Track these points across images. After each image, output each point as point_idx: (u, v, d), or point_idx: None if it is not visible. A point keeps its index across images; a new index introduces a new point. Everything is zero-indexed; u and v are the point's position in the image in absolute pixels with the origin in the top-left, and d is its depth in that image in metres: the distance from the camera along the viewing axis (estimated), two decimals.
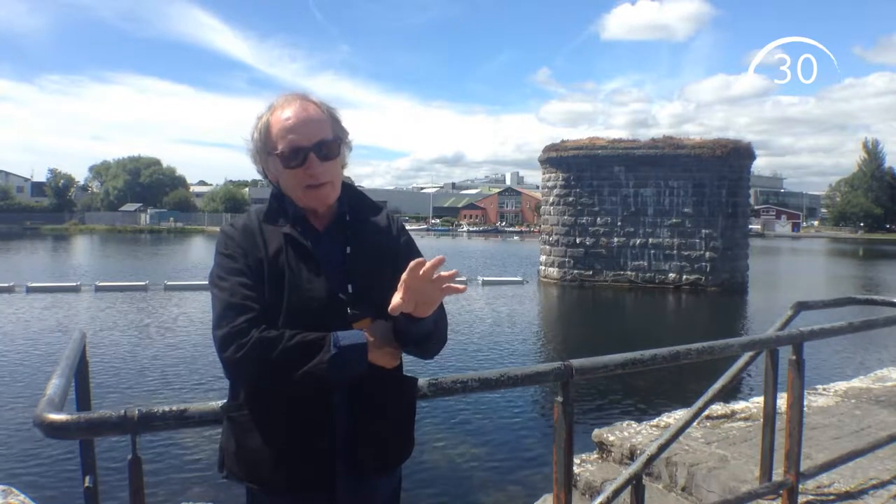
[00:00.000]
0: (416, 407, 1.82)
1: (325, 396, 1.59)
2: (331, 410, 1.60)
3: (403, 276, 1.51)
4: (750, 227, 30.50)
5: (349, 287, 1.64)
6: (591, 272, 26.71)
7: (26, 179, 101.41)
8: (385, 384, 1.65)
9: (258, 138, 1.69)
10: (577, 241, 26.98)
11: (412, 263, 1.50)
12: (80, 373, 2.35)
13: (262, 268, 1.61)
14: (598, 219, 26.71)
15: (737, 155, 26.11)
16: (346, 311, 1.62)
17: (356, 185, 1.87)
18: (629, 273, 26.30)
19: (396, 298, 1.52)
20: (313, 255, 1.64)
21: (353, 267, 1.67)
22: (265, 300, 1.58)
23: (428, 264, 1.49)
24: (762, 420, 2.97)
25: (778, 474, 2.93)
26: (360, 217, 1.76)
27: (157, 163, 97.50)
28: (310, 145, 1.63)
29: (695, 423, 3.25)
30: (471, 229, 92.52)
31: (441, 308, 1.66)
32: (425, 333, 1.62)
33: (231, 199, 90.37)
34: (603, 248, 26.62)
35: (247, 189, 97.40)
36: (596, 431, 4.25)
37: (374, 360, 1.57)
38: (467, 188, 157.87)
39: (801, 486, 2.97)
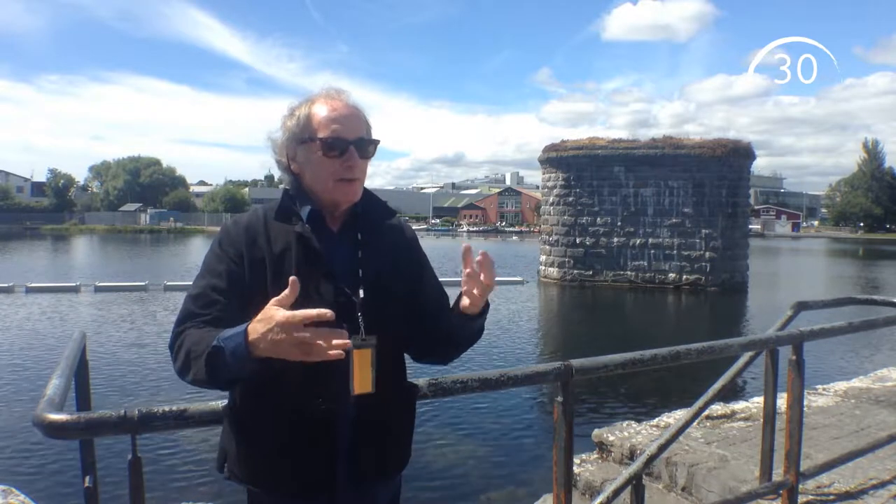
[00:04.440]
0: (416, 412, 1.81)
1: (333, 399, 1.57)
2: (333, 415, 1.58)
3: (479, 274, 1.56)
4: (750, 227, 30.48)
5: (361, 292, 1.61)
6: (591, 272, 26.70)
7: (26, 179, 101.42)
8: (389, 390, 1.63)
9: (294, 125, 1.65)
10: (577, 241, 26.97)
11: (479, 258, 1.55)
12: (80, 373, 2.35)
13: (263, 270, 1.57)
14: (598, 219, 26.70)
15: (737, 155, 26.11)
16: (356, 316, 1.58)
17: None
18: (629, 273, 26.30)
19: (470, 300, 1.57)
20: (324, 258, 1.60)
21: (366, 272, 1.64)
22: (237, 305, 1.52)
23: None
24: (762, 420, 2.97)
25: (778, 474, 2.93)
26: (374, 220, 1.74)
27: (157, 163, 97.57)
28: (352, 139, 1.63)
29: (695, 423, 3.25)
30: (471, 229, 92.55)
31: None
32: (478, 330, 1.69)
33: (231, 199, 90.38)
34: (603, 248, 26.62)
35: (246, 189, 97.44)
36: (596, 431, 4.25)
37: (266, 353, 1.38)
38: (467, 188, 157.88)
39: (801, 486, 2.97)
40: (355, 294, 1.61)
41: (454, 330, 1.67)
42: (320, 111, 1.64)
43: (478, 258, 1.54)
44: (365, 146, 1.66)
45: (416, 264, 1.79)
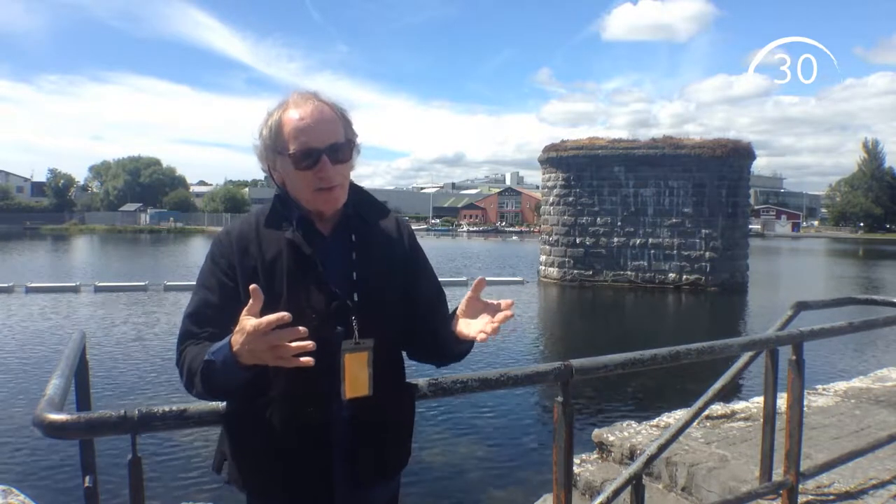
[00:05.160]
0: (416, 412, 1.81)
1: (326, 403, 1.57)
2: (329, 419, 1.58)
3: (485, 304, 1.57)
4: (750, 227, 30.48)
5: (355, 295, 1.60)
6: (591, 272, 26.70)
7: (26, 179, 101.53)
8: (387, 391, 1.63)
9: (268, 136, 1.62)
10: (577, 241, 26.97)
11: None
12: (80, 373, 2.34)
13: (256, 278, 1.55)
14: (598, 219, 26.70)
15: (737, 155, 26.12)
16: (350, 319, 1.58)
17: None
18: (629, 273, 26.30)
19: (479, 331, 1.53)
20: (315, 264, 1.59)
21: (361, 274, 1.63)
22: (232, 317, 1.48)
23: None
24: (762, 420, 2.97)
25: (778, 474, 2.93)
26: (367, 221, 1.71)
27: (157, 163, 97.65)
28: (323, 147, 1.56)
29: (695, 423, 3.25)
30: (471, 229, 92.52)
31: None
32: (466, 350, 1.68)
33: (231, 198, 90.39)
34: (603, 248, 26.62)
35: (246, 189, 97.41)
36: (596, 431, 4.25)
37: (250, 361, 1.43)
38: (467, 188, 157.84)
39: (801, 486, 2.97)
40: (350, 297, 1.60)
41: (449, 344, 1.64)
42: (289, 121, 1.58)
43: (505, 312, 1.53)
44: (338, 151, 1.59)
45: (411, 263, 1.77)
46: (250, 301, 1.38)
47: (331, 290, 1.58)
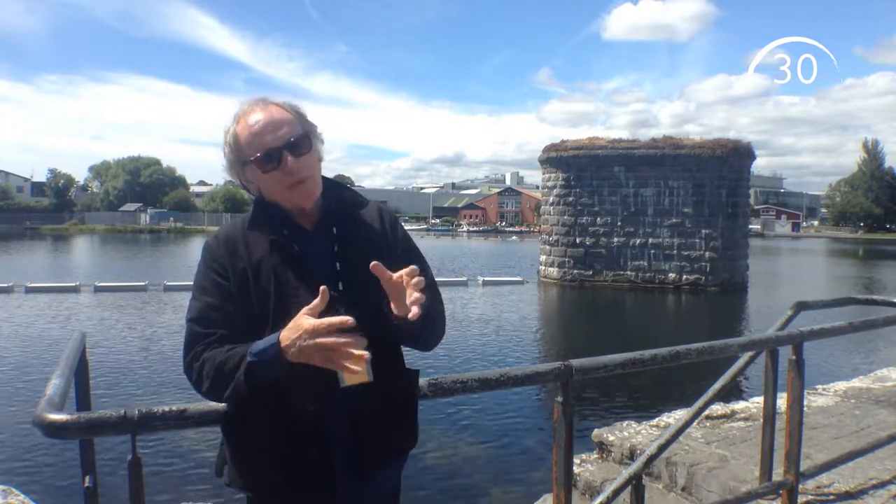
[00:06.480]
0: (418, 400, 1.81)
1: (324, 394, 1.56)
2: (327, 411, 1.58)
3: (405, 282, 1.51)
4: (750, 227, 30.50)
5: (340, 285, 1.62)
6: (591, 272, 26.71)
7: (26, 179, 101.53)
8: (386, 375, 1.63)
9: (229, 151, 1.68)
10: (577, 241, 26.98)
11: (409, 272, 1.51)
12: (80, 373, 2.35)
13: (246, 278, 1.60)
14: (598, 219, 26.71)
15: (737, 155, 26.13)
16: (338, 309, 1.57)
17: (355, 185, 1.85)
18: (629, 273, 26.30)
19: (411, 313, 1.49)
20: (299, 260, 1.62)
21: (343, 264, 1.66)
22: (235, 317, 1.56)
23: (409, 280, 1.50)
24: (762, 420, 2.98)
25: (778, 474, 2.93)
26: (347, 213, 1.74)
27: (157, 163, 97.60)
28: (281, 145, 1.61)
29: (695, 423, 3.25)
30: (471, 229, 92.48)
31: (438, 299, 1.69)
32: (419, 328, 1.61)
33: (231, 198, 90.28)
34: (603, 248, 26.63)
35: None
36: (596, 431, 4.26)
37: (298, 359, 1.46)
38: (467, 188, 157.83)
39: (801, 486, 2.97)
40: (335, 288, 1.61)
41: (403, 329, 1.60)
42: (243, 130, 1.64)
43: (412, 280, 1.48)
44: (297, 146, 1.63)
45: (396, 250, 1.77)
46: (316, 300, 1.44)
47: (314, 285, 1.59)
